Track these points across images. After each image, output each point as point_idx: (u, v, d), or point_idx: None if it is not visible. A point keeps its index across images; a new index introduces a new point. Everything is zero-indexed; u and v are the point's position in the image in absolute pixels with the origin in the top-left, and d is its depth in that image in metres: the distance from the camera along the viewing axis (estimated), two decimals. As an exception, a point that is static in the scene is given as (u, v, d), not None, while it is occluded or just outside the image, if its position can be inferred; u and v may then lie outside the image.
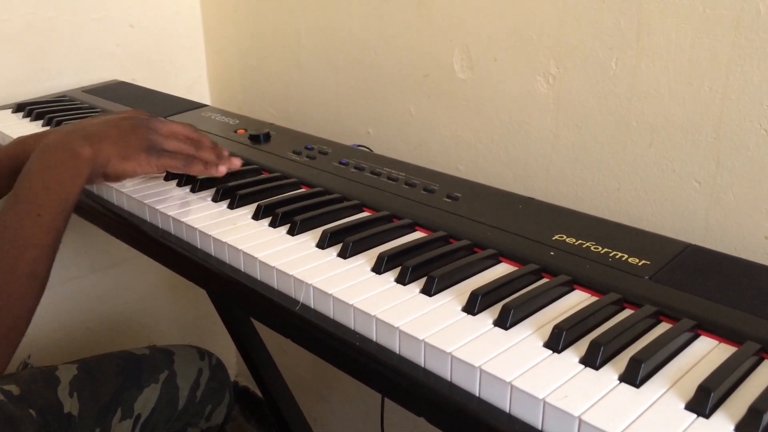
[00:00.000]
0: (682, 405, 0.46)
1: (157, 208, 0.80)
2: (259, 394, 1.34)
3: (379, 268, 0.64)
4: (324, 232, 0.70)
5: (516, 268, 0.65)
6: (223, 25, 1.55)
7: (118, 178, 0.76)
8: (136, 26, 1.50)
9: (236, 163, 0.85)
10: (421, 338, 0.53)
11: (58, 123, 1.13)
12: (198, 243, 0.75)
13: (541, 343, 0.53)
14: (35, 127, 1.15)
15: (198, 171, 0.81)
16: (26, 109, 1.23)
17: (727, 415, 0.45)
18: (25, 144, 0.81)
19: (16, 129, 1.14)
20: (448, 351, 0.51)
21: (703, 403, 0.45)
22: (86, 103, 1.29)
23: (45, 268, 0.63)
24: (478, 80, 1.06)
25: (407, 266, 0.63)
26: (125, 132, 0.75)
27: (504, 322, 0.55)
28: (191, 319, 1.78)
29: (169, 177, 0.88)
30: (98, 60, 1.46)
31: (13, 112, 1.26)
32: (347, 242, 0.68)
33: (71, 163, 0.69)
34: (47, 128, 1.14)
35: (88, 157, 0.70)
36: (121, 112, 0.84)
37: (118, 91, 1.38)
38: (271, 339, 1.12)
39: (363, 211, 0.79)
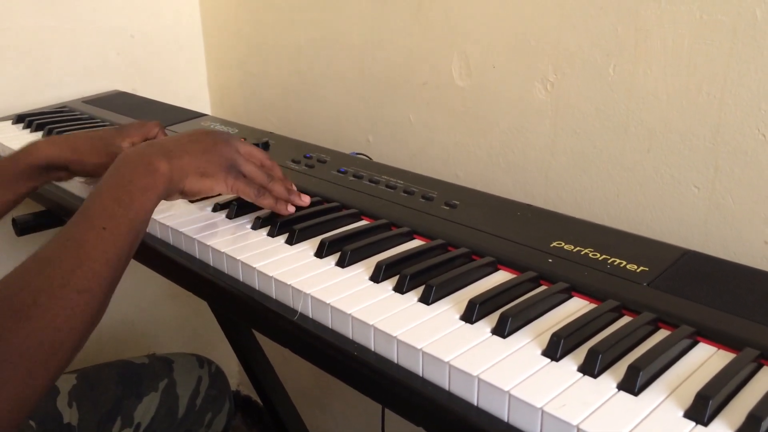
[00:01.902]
0: (681, 413, 0.46)
1: (155, 218, 0.80)
2: (261, 403, 1.34)
3: (377, 277, 0.64)
4: (322, 241, 0.70)
5: (514, 276, 0.65)
6: (224, 34, 1.56)
7: (195, 195, 0.73)
8: (136, 36, 1.50)
9: (305, 201, 0.80)
10: (419, 347, 0.53)
11: (59, 134, 1.13)
12: (197, 253, 0.75)
13: (539, 352, 0.53)
14: (35, 138, 1.15)
15: (268, 205, 0.76)
16: (26, 120, 1.24)
17: (726, 422, 0.45)
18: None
19: (17, 140, 1.14)
20: (446, 360, 0.51)
21: (701, 410, 0.45)
22: (86, 113, 1.29)
23: (101, 285, 0.60)
24: (477, 87, 1.06)
25: (405, 275, 0.62)
26: (206, 148, 0.73)
27: (502, 330, 0.55)
28: (193, 328, 1.77)
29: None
30: (99, 70, 1.46)
31: (13, 123, 1.27)
32: (345, 251, 0.68)
33: (146, 178, 0.66)
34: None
35: (165, 172, 0.68)
36: (202, 129, 0.77)
37: (118, 101, 1.38)
38: (272, 348, 1.12)
39: (361, 219, 0.79)
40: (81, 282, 0.58)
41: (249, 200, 0.77)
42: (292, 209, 0.78)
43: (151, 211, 0.67)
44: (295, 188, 0.82)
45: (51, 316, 0.56)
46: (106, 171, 0.70)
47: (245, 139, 1.08)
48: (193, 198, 0.76)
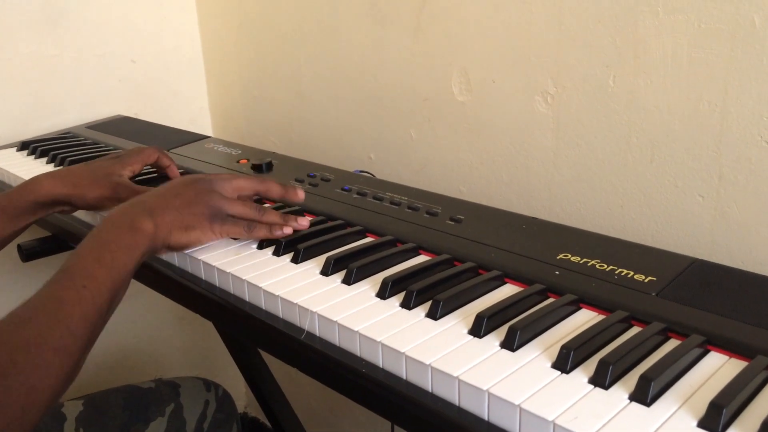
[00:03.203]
0: (695, 423, 0.45)
1: (160, 240, 0.80)
2: (269, 424, 1.33)
3: (383, 294, 0.64)
4: (328, 259, 0.70)
5: (521, 289, 0.64)
6: (224, 57, 1.57)
7: (183, 248, 0.74)
8: (138, 61, 1.52)
9: (303, 224, 0.78)
10: (427, 363, 0.53)
11: (62, 160, 1.14)
12: (202, 274, 0.75)
13: (549, 364, 0.52)
14: (40, 165, 1.16)
15: (262, 235, 0.76)
16: (30, 147, 1.24)
17: (740, 431, 0.44)
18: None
19: (21, 167, 1.15)
20: (455, 375, 0.51)
21: (715, 420, 0.45)
22: (90, 139, 1.30)
23: (78, 346, 0.59)
24: (478, 102, 1.07)
25: (412, 290, 0.62)
26: (188, 201, 0.73)
27: (511, 343, 0.54)
28: (199, 351, 1.77)
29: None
30: (101, 96, 1.47)
31: (17, 150, 1.27)
32: (351, 268, 0.68)
33: (129, 238, 0.67)
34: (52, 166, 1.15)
35: (149, 232, 0.68)
36: (184, 179, 0.78)
37: (121, 126, 1.39)
38: (280, 368, 1.11)
39: (366, 236, 0.79)
40: (58, 341, 0.58)
41: (242, 238, 0.77)
42: (288, 230, 0.77)
43: (134, 270, 0.67)
44: (297, 190, 0.82)
45: (26, 375, 0.55)
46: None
47: (248, 160, 1.08)
48: (182, 251, 0.76)
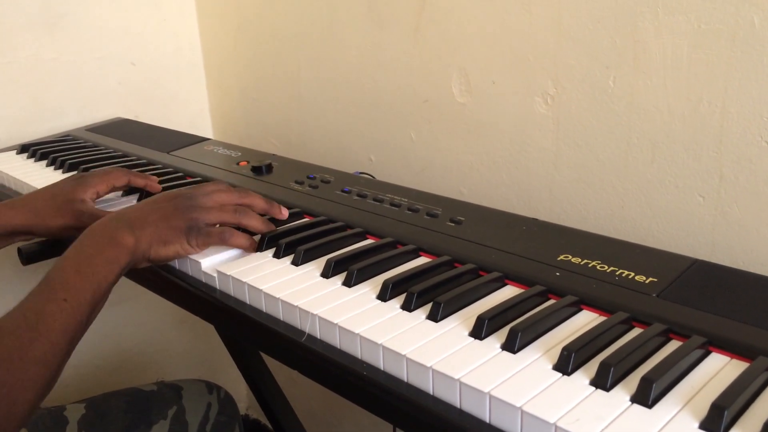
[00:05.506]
0: (696, 424, 0.45)
1: (161, 243, 0.79)
2: (271, 426, 1.33)
3: (384, 296, 0.64)
4: (328, 261, 0.70)
5: (522, 291, 0.64)
6: (224, 59, 1.57)
7: (164, 262, 0.75)
8: (137, 64, 1.52)
9: (284, 214, 0.83)
10: (428, 365, 0.53)
11: (62, 163, 1.14)
12: (203, 277, 0.75)
13: (550, 366, 0.52)
14: (39, 168, 1.16)
15: (238, 244, 0.76)
16: (30, 149, 1.24)
17: (742, 432, 0.44)
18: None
19: (21, 170, 1.15)
20: (456, 377, 0.51)
21: (717, 421, 0.45)
22: (90, 141, 1.30)
23: (58, 358, 0.60)
24: (478, 103, 1.07)
25: (412, 292, 0.62)
26: (166, 215, 0.73)
27: (512, 345, 0.54)
28: (201, 353, 1.77)
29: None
30: (101, 98, 1.47)
31: (17, 153, 1.27)
32: (351, 270, 0.68)
33: (111, 251, 0.68)
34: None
35: (130, 246, 0.69)
36: (165, 194, 0.79)
37: (121, 128, 1.39)
38: (281, 370, 1.11)
39: (367, 238, 0.79)
40: (39, 353, 0.59)
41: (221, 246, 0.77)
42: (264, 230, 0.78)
43: (113, 284, 0.67)
44: (282, 208, 0.83)
45: (7, 388, 0.56)
46: (72, 232, 0.70)
47: (248, 161, 1.08)
48: (162, 263, 0.77)
